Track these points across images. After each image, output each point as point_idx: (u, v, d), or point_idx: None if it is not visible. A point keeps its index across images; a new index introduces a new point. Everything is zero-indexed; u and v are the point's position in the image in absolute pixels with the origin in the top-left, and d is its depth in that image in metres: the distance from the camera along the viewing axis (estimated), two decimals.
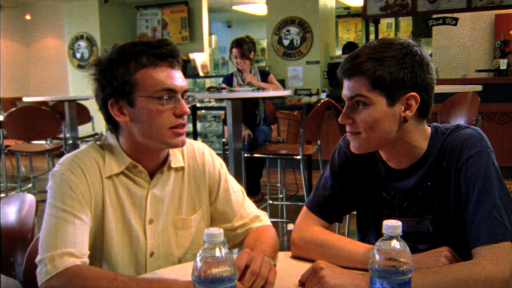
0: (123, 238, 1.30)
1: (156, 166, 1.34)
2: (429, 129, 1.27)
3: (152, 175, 1.33)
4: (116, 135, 1.33)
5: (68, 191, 1.21)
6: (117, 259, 1.29)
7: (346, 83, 1.23)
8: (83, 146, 1.33)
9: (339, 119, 1.26)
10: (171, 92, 1.23)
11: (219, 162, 1.47)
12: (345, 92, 1.23)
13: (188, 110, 1.27)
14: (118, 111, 1.26)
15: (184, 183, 1.39)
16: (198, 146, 1.45)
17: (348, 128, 1.25)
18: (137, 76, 1.22)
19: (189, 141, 1.44)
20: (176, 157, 1.38)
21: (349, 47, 7.14)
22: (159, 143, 1.27)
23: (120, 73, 1.22)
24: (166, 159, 1.35)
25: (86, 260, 1.17)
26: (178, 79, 1.26)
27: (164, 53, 1.24)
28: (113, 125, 1.30)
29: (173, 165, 1.36)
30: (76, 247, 1.16)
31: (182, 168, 1.39)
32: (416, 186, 1.26)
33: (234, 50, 4.52)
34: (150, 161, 1.32)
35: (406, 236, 1.28)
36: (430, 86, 1.22)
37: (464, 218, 1.17)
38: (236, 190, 1.47)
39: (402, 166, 1.28)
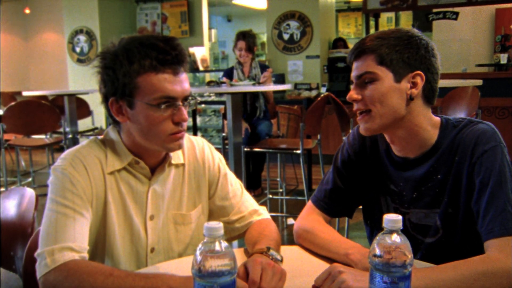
0: (124, 234, 1.30)
1: (157, 162, 1.34)
2: (438, 119, 1.29)
3: (153, 171, 1.33)
4: (118, 130, 1.33)
5: (69, 186, 1.21)
6: (119, 254, 1.29)
7: (354, 65, 1.27)
8: (84, 142, 1.32)
9: (347, 97, 1.28)
10: (170, 99, 1.21)
11: (218, 157, 1.47)
12: (353, 73, 1.26)
13: (187, 118, 1.25)
14: (117, 111, 1.25)
15: (185, 179, 1.40)
16: (197, 142, 1.45)
17: (355, 106, 1.27)
18: (138, 80, 1.20)
19: (188, 137, 1.44)
20: (176, 154, 1.38)
21: (340, 40, 7.27)
22: (156, 146, 1.27)
23: (122, 74, 1.20)
24: (166, 156, 1.35)
25: (86, 255, 1.17)
26: (179, 85, 1.22)
27: (168, 59, 1.20)
28: (114, 120, 1.30)
29: (173, 162, 1.36)
30: (75, 242, 1.16)
31: (183, 165, 1.39)
32: (426, 176, 1.27)
33: (239, 42, 4.50)
34: (151, 158, 1.32)
35: (414, 228, 1.31)
36: (435, 69, 1.25)
37: (473, 212, 1.18)
38: (234, 184, 1.48)
39: (410, 155, 1.30)
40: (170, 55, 1.20)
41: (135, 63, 1.19)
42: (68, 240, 1.15)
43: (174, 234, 1.37)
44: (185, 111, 1.24)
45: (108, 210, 1.27)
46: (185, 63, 1.24)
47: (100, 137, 1.35)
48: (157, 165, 1.34)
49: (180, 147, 1.28)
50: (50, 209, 1.19)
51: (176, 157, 1.37)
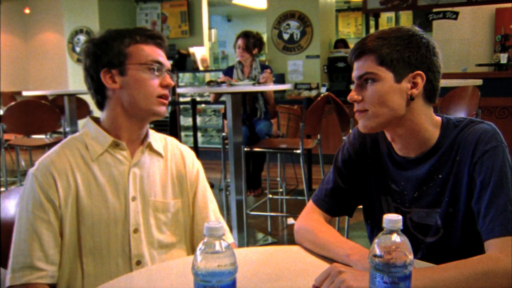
0: (108, 216, 1.34)
1: (136, 146, 1.43)
2: (439, 119, 1.29)
3: (132, 155, 1.41)
4: (100, 116, 1.43)
5: (37, 195, 1.29)
6: (101, 237, 1.33)
7: (355, 65, 1.27)
8: (60, 144, 1.40)
9: (348, 98, 1.28)
10: (159, 64, 1.38)
11: (198, 163, 1.56)
12: (354, 73, 1.26)
13: (173, 82, 1.42)
14: (109, 79, 1.37)
15: (167, 170, 1.47)
16: (178, 144, 1.55)
17: (356, 107, 1.27)
18: (130, 48, 1.37)
19: (171, 138, 1.54)
20: (156, 142, 1.47)
21: (341, 41, 7.26)
22: (145, 111, 1.38)
23: (116, 45, 1.36)
24: (144, 139, 1.44)
25: (48, 273, 1.26)
26: (164, 57, 1.42)
27: (154, 34, 1.41)
28: (101, 96, 1.40)
29: (154, 146, 1.44)
30: (40, 260, 1.25)
31: (162, 156, 1.47)
32: (427, 176, 1.27)
33: (239, 40, 4.55)
34: (130, 137, 1.41)
35: (416, 227, 1.31)
36: (436, 68, 1.25)
37: (474, 212, 1.18)
38: (211, 198, 1.56)
39: (411, 154, 1.30)
40: (156, 32, 1.43)
41: (126, 37, 1.38)
42: (34, 257, 1.25)
43: (154, 220, 1.41)
44: (169, 78, 1.41)
45: (82, 201, 1.33)
46: (166, 44, 1.45)
47: (74, 135, 1.43)
48: (136, 148, 1.42)
49: (165, 113, 1.42)
50: (20, 219, 1.30)
51: (156, 144, 1.46)
